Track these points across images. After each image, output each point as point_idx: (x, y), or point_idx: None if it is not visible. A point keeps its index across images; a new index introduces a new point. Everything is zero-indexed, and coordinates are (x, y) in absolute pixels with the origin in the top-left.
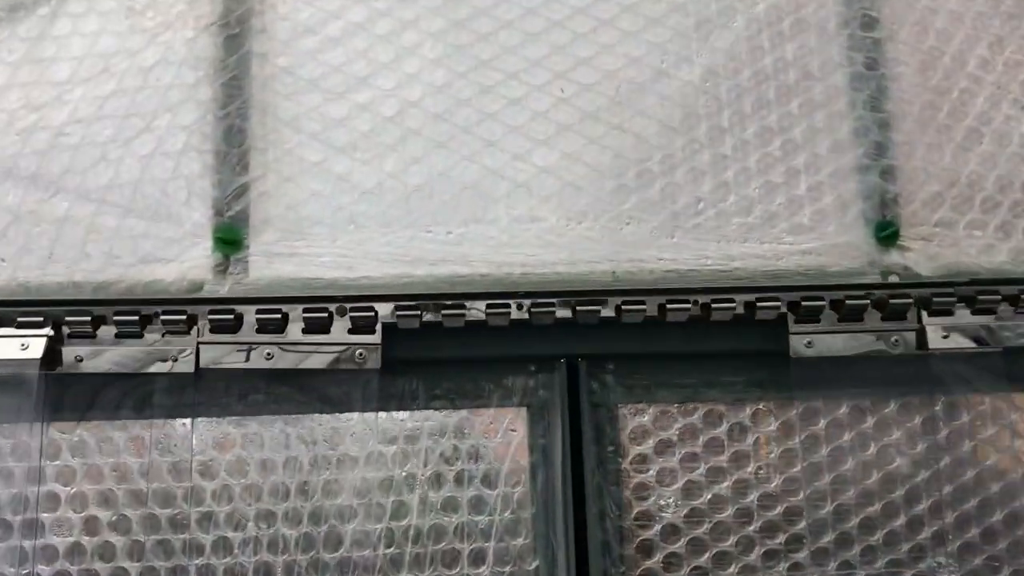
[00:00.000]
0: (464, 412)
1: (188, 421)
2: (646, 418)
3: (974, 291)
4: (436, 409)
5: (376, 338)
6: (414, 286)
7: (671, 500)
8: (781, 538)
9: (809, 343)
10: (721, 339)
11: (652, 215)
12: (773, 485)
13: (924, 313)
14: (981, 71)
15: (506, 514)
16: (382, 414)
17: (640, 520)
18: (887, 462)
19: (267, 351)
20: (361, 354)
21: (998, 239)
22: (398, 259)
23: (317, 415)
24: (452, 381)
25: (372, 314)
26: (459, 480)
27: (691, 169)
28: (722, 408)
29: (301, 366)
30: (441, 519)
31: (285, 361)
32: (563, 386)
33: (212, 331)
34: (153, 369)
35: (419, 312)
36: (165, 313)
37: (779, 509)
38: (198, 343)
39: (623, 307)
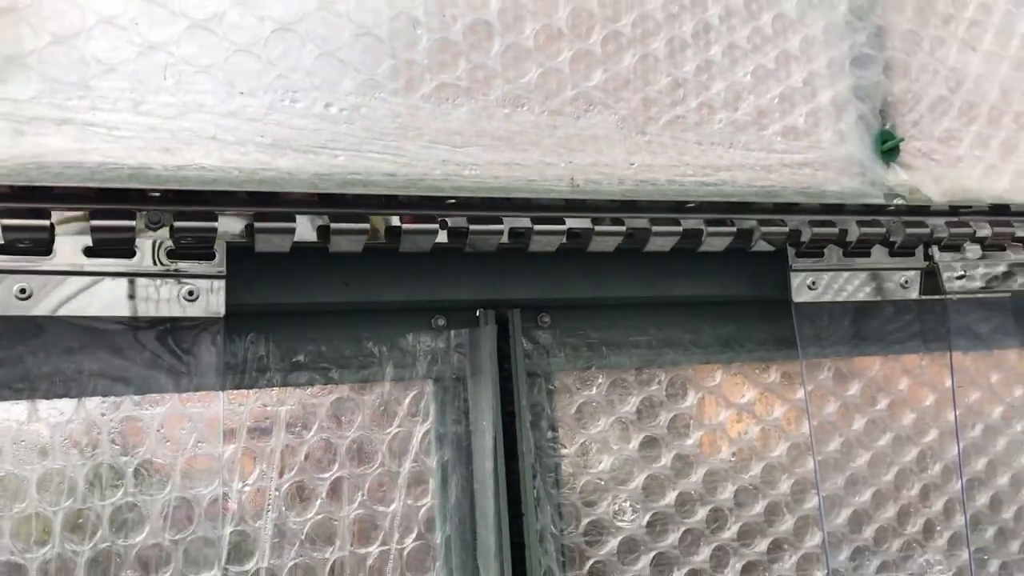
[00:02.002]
0: (344, 390)
1: None
2: (594, 390)
3: (989, 223)
4: (298, 386)
5: (217, 265)
6: (276, 183)
7: (627, 504)
8: (763, 544)
9: (813, 284)
10: (691, 280)
11: (620, 100)
12: (749, 475)
13: (935, 249)
14: None
15: (407, 541)
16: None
17: (591, 535)
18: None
19: (21, 285)
20: (192, 293)
21: (1000, 159)
22: (249, 140)
23: (100, 399)
24: (322, 342)
25: (211, 226)
26: (335, 493)
27: (671, 39)
28: (689, 373)
29: (78, 312)
30: (308, 556)
31: (52, 302)
32: (492, 348)
33: None
34: None
35: (292, 225)
36: None
37: (759, 506)
38: None
39: (595, 230)
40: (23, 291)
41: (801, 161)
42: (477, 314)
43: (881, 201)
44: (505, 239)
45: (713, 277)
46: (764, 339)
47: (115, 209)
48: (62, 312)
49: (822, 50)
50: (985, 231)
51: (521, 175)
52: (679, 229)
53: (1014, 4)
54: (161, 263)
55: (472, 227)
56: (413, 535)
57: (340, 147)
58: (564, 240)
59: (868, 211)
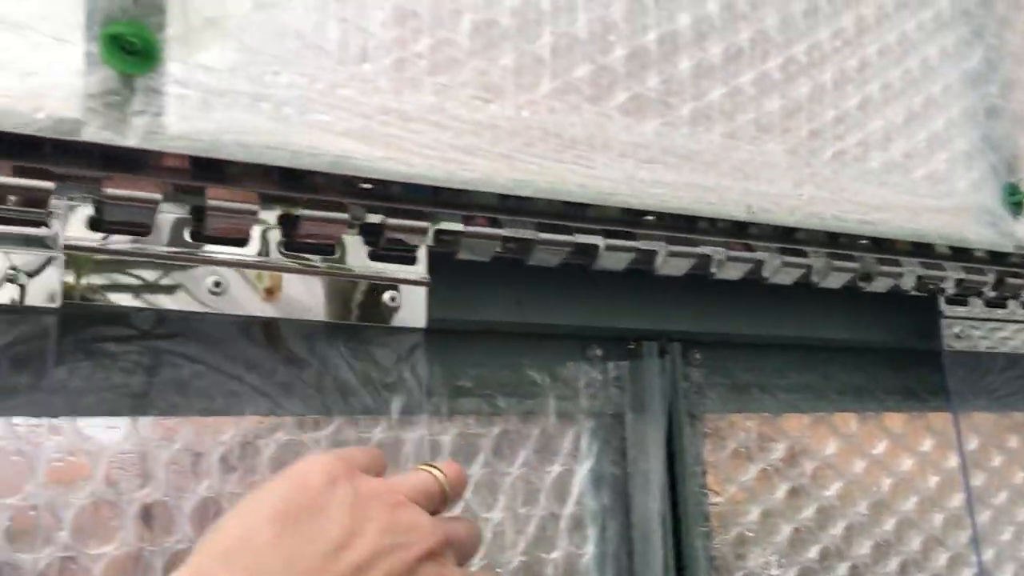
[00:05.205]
0: (513, 421)
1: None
2: (743, 435)
3: None
4: (463, 414)
5: (419, 270)
6: (472, 183)
7: (774, 558)
8: None
9: (959, 333)
10: (835, 323)
11: (792, 128)
12: (884, 528)
13: None
14: None
15: None
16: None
17: None
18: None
19: (215, 279)
20: (394, 299)
21: None
22: (445, 143)
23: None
24: (487, 366)
25: (423, 226)
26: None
27: (839, 71)
28: (839, 420)
29: (295, 315)
30: None
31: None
32: (663, 383)
33: (104, 221)
34: None
35: (500, 232)
36: None
37: (893, 563)
38: (66, 249)
39: (785, 260)
40: (218, 286)
41: (941, 207)
42: (631, 346)
43: (1011, 251)
44: (673, 264)
45: (852, 319)
46: (889, 388)
47: (323, 200)
48: (266, 313)
49: (956, 99)
50: None
51: (701, 196)
52: (856, 267)
53: None
54: (362, 263)
55: (671, 248)
56: None
57: (534, 154)
58: (749, 268)
59: (999, 261)
